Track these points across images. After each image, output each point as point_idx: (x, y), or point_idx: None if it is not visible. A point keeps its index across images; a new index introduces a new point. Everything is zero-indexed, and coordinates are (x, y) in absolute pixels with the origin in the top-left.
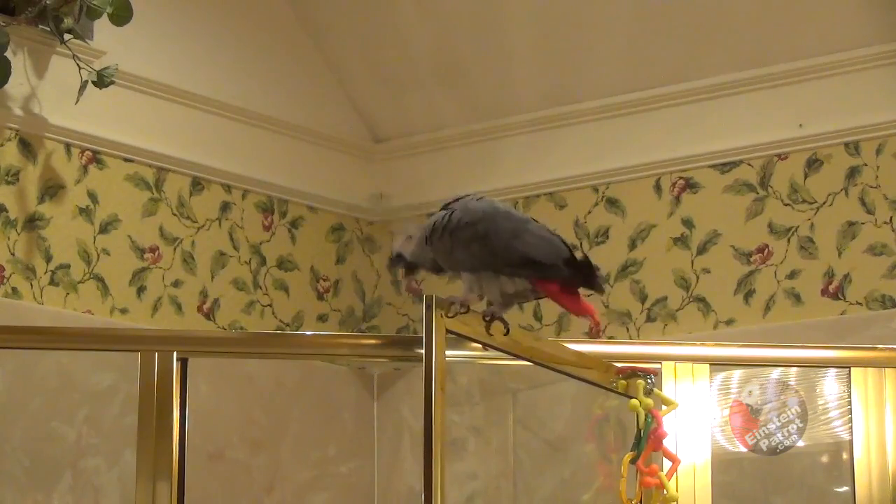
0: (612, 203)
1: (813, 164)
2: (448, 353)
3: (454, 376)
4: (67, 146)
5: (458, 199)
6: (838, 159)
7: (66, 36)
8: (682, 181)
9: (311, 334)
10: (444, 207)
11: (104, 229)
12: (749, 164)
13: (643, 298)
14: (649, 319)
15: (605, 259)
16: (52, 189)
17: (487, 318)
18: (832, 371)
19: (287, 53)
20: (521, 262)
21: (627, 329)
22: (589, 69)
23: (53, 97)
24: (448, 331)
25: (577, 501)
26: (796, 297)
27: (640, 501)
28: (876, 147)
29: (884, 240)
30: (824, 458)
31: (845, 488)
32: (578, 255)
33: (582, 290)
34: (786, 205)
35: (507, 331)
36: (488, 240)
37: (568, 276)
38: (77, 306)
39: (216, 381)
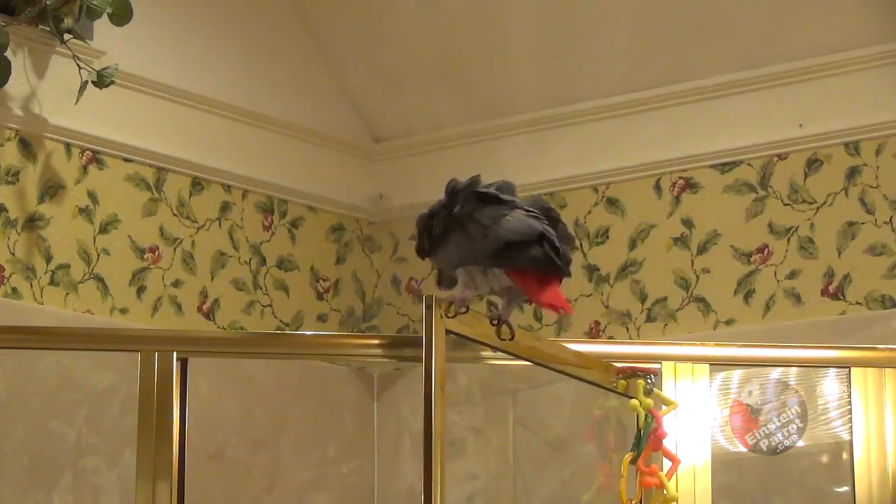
0: (612, 203)
1: (813, 164)
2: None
3: (454, 376)
4: (67, 146)
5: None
6: (838, 159)
7: (66, 36)
8: (682, 181)
9: (311, 334)
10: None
11: (104, 229)
12: (749, 164)
13: (643, 298)
14: (649, 319)
15: (605, 259)
16: (52, 189)
17: (496, 323)
18: (832, 371)
19: (287, 53)
20: (497, 251)
21: (627, 329)
22: (589, 69)
23: (53, 97)
24: (448, 331)
25: (577, 501)
26: (796, 297)
27: (640, 501)
28: (876, 147)
29: (884, 240)
30: (824, 458)
31: (845, 488)
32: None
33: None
34: (786, 205)
35: (513, 336)
36: (466, 228)
37: (540, 258)
38: (77, 306)
39: (216, 381)
